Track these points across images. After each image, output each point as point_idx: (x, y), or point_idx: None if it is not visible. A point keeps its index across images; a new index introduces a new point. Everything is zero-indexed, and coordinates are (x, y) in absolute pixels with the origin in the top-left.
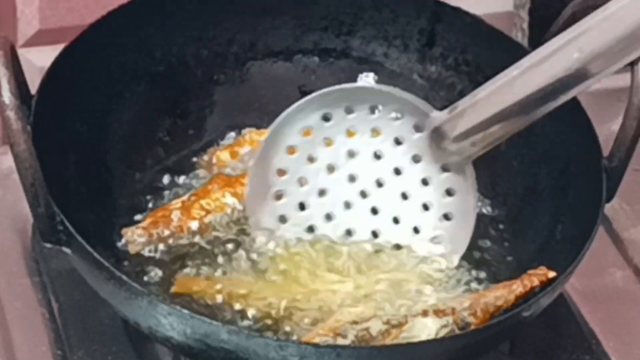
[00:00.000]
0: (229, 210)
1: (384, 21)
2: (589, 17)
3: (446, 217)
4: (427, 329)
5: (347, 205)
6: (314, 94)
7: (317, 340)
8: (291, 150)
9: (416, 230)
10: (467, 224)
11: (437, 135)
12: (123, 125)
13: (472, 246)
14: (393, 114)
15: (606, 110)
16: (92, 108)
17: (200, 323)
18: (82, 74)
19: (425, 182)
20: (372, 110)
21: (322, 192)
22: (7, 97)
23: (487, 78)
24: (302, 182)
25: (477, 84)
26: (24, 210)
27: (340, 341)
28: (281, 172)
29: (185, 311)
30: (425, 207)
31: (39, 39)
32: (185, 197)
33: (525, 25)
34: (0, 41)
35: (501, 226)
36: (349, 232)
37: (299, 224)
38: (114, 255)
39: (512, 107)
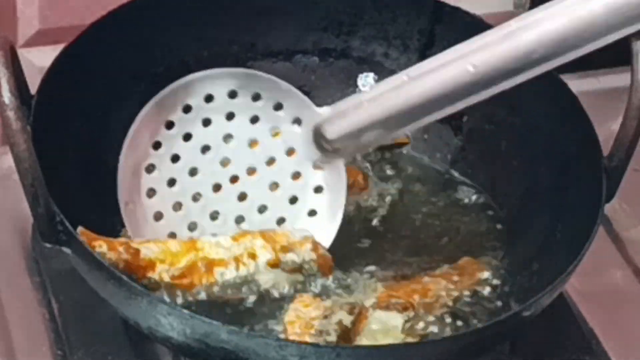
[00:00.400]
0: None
1: (384, 21)
2: (489, 32)
3: (312, 213)
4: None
5: (216, 187)
6: (199, 73)
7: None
8: (169, 124)
9: (280, 221)
10: (332, 224)
11: (315, 132)
12: (122, 125)
13: (473, 243)
14: (275, 104)
15: (606, 109)
16: (92, 108)
17: (200, 323)
18: (82, 74)
19: (296, 175)
20: (256, 98)
21: (193, 171)
22: (7, 97)
23: None
24: (174, 158)
25: None
26: (24, 210)
27: (327, 338)
28: (156, 145)
29: (185, 311)
30: (293, 201)
31: (39, 39)
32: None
33: None
34: (0, 41)
35: (500, 226)
36: (213, 215)
37: (167, 200)
38: None
39: (395, 114)
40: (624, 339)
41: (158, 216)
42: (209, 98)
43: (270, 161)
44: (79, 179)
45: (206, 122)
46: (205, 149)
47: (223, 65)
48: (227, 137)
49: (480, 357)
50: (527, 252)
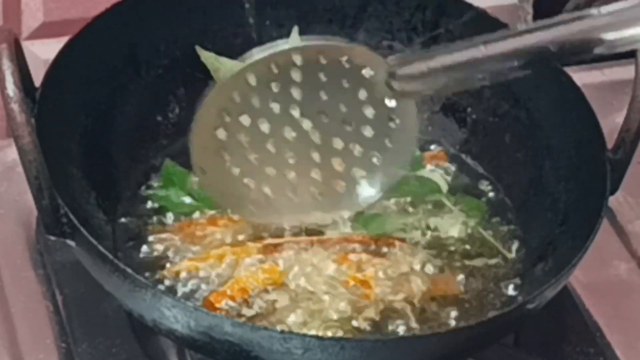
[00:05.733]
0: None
1: (388, 14)
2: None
3: (384, 147)
4: None
5: (292, 141)
6: (267, 53)
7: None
8: (243, 93)
9: (354, 152)
10: (404, 157)
11: (386, 76)
12: (127, 118)
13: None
14: (342, 61)
15: (610, 102)
16: (96, 100)
17: (204, 315)
18: (86, 66)
19: (369, 114)
20: (320, 64)
21: (266, 130)
22: (12, 90)
23: None
24: (246, 121)
25: None
26: (28, 202)
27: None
28: (227, 113)
29: (189, 303)
30: (366, 136)
31: (43, 32)
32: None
33: (530, 18)
34: (4, 34)
35: (505, 218)
36: (290, 168)
37: (241, 158)
38: (117, 248)
39: (467, 62)
40: (628, 331)
41: (232, 173)
42: (273, 70)
43: (345, 112)
44: (83, 172)
45: (275, 90)
46: (276, 109)
47: (227, 57)
48: (299, 98)
49: (484, 349)
50: (531, 244)
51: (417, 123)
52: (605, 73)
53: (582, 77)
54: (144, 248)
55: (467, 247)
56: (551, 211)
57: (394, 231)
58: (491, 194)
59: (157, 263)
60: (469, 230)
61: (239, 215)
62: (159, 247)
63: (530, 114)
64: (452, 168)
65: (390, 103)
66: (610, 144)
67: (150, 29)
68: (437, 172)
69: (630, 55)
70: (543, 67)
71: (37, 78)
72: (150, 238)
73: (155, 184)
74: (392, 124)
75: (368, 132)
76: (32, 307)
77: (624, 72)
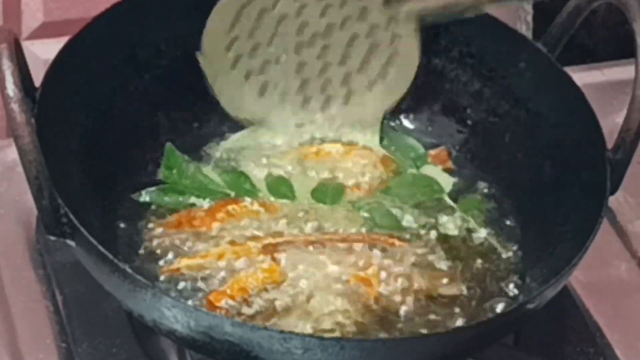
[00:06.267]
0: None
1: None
2: None
3: (388, 64)
4: None
5: (296, 50)
6: None
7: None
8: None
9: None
10: (407, 75)
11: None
12: (127, 118)
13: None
14: None
15: (610, 102)
16: (96, 100)
17: (204, 315)
18: (86, 66)
19: (372, 31)
20: None
21: (272, 38)
22: (12, 90)
23: (492, 70)
24: (253, 30)
25: (481, 77)
26: (28, 202)
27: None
28: (233, 23)
29: (189, 303)
30: (369, 53)
31: (43, 32)
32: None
33: (530, 18)
34: (4, 34)
35: (505, 218)
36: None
37: (252, 64)
38: (117, 248)
39: None
40: (628, 331)
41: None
42: None
43: (344, 22)
44: (83, 172)
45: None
46: (282, 18)
47: None
48: (300, 9)
49: (484, 349)
50: (531, 244)
51: (418, 54)
52: (605, 73)
53: (582, 77)
54: (144, 246)
55: (468, 245)
56: (551, 211)
57: (395, 229)
58: (491, 194)
59: (157, 262)
60: (470, 227)
61: (237, 116)
62: (158, 246)
63: (530, 114)
64: (454, 168)
65: (389, 29)
66: (610, 144)
67: (150, 29)
68: (441, 172)
69: (630, 55)
70: None
71: (37, 78)
72: (149, 236)
73: (152, 188)
74: (392, 52)
75: (367, 54)
76: (32, 307)
77: (624, 72)
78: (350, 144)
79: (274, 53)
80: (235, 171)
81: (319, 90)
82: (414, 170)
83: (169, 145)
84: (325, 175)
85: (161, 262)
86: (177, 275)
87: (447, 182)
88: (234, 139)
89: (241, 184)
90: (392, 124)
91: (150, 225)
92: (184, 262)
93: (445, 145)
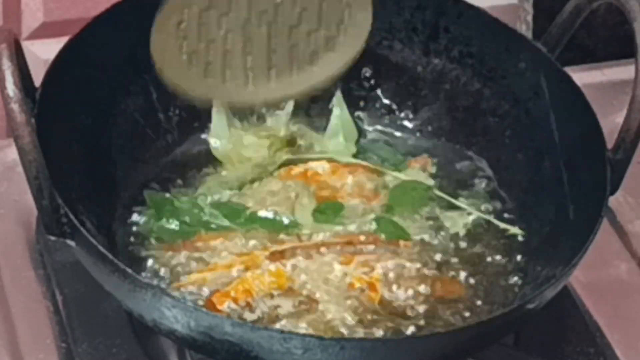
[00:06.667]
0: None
1: (388, 14)
2: None
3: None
4: None
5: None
6: None
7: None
8: None
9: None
10: (359, 38)
11: None
12: (127, 118)
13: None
14: None
15: (610, 102)
16: (96, 100)
17: (204, 315)
18: (87, 66)
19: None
20: None
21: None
22: (12, 90)
23: (492, 70)
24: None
25: (481, 76)
26: (28, 202)
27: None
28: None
29: (189, 303)
30: (317, 24)
31: (43, 32)
32: None
33: (530, 18)
34: (4, 34)
35: (505, 218)
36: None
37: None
38: (117, 248)
39: None
40: (628, 331)
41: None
42: None
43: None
44: (83, 172)
45: None
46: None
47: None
48: None
49: (484, 349)
50: (531, 244)
51: (369, 19)
52: (605, 73)
53: (582, 77)
54: (149, 265)
55: (470, 245)
56: (551, 211)
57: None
58: (491, 194)
59: (163, 280)
60: (471, 226)
61: (194, 95)
62: (165, 266)
63: (530, 114)
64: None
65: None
66: (610, 144)
67: (149, 28)
68: (421, 172)
69: (630, 55)
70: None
71: (37, 78)
72: (154, 258)
73: (143, 209)
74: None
75: (319, 21)
76: (32, 307)
77: (624, 72)
78: (333, 160)
79: (221, 33)
80: (232, 204)
81: (264, 64)
82: (397, 174)
83: (147, 193)
84: (323, 194)
85: (169, 280)
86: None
87: (429, 181)
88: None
89: (239, 217)
90: (392, 124)
91: (154, 244)
92: (193, 277)
93: (445, 145)
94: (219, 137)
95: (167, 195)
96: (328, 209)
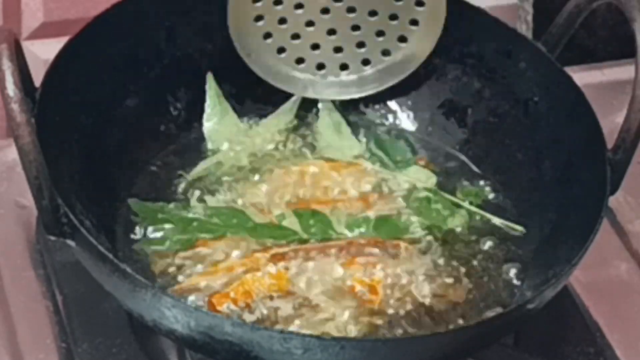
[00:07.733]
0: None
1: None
2: None
3: (414, 22)
4: None
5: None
6: None
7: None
8: None
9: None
10: (434, 29)
11: None
12: (127, 118)
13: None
14: None
15: (610, 102)
16: (96, 100)
17: (204, 315)
18: (87, 66)
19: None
20: None
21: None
22: (12, 90)
23: (492, 70)
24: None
25: (481, 76)
26: (28, 202)
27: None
28: None
29: (189, 304)
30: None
31: (43, 32)
32: None
33: (530, 18)
34: (4, 34)
35: (505, 218)
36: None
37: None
38: (117, 248)
39: None
40: (628, 331)
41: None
42: None
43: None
44: (83, 172)
45: None
46: None
47: (228, 61)
48: None
49: (484, 349)
50: (531, 244)
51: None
52: (605, 73)
53: (582, 77)
54: (149, 265)
55: (470, 246)
56: (551, 211)
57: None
58: (491, 194)
59: (165, 282)
60: (472, 225)
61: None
62: (165, 266)
63: (530, 114)
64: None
65: None
66: (610, 144)
67: (150, 29)
68: (423, 170)
69: (630, 55)
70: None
71: (37, 78)
72: (154, 259)
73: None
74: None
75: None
76: (32, 307)
77: (624, 72)
78: (331, 160)
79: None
80: (230, 208)
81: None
82: (397, 174)
83: (132, 201)
84: (317, 195)
85: (169, 282)
86: (187, 292)
87: (430, 179)
88: (202, 168)
89: (237, 221)
90: (393, 124)
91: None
92: (194, 280)
93: (445, 145)
94: (209, 118)
95: (151, 204)
96: (318, 222)
